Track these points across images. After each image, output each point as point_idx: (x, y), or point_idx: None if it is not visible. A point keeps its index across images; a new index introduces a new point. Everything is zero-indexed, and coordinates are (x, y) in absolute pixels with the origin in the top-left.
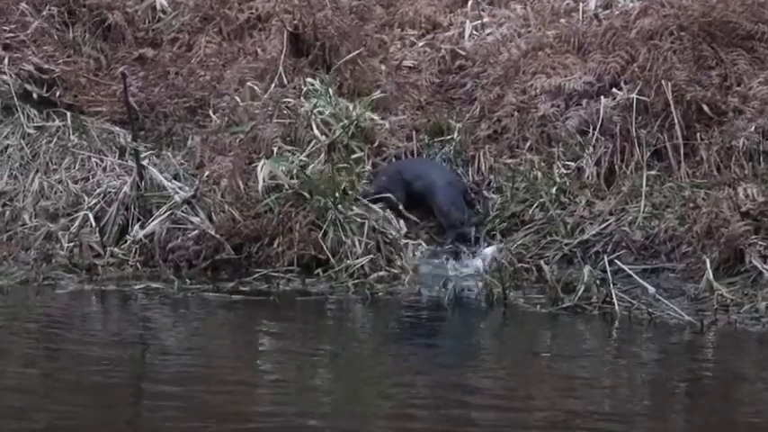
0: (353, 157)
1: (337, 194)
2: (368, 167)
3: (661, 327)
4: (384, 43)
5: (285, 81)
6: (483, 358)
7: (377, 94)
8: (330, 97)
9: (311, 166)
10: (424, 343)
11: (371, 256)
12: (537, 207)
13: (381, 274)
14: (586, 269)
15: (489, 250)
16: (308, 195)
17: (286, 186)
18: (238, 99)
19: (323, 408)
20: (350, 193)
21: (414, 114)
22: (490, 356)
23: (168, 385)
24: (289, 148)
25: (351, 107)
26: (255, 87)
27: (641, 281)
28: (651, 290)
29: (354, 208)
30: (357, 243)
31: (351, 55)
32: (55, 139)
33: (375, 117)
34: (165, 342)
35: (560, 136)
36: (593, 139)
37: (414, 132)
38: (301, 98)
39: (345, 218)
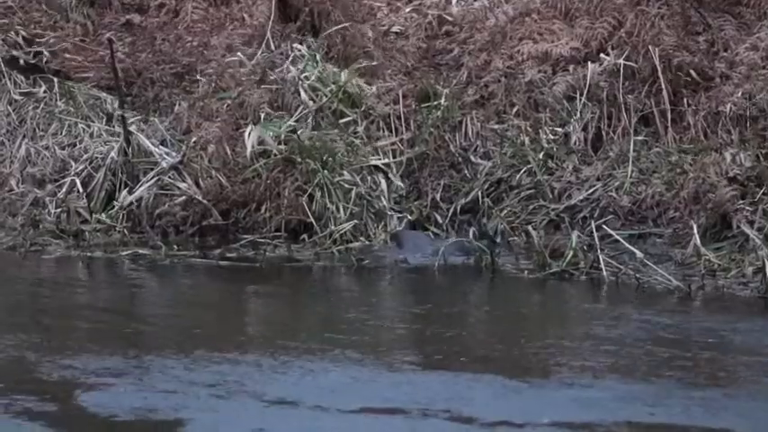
0: (343, 120)
1: (326, 158)
2: (360, 130)
3: (648, 291)
4: (371, 9)
5: (273, 47)
6: (466, 314)
7: (364, 62)
8: (317, 63)
9: (300, 131)
10: (409, 307)
11: (355, 221)
12: (524, 172)
13: (362, 241)
14: (574, 234)
15: None
16: (298, 159)
17: (274, 152)
18: (225, 65)
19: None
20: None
21: (401, 80)
22: (474, 313)
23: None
24: (276, 113)
25: (339, 73)
26: (242, 55)
27: (629, 246)
28: (638, 255)
29: (344, 173)
30: (342, 209)
31: (338, 26)
32: (42, 105)
33: (362, 83)
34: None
35: (547, 101)
36: (580, 105)
37: (401, 97)
38: (288, 64)
39: (332, 183)
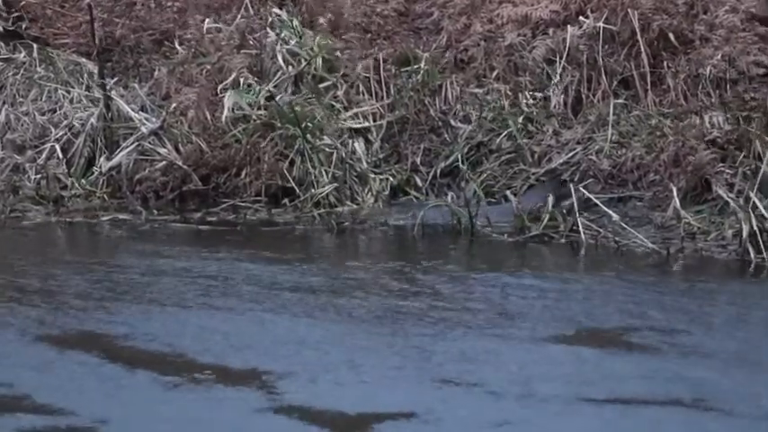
0: (323, 85)
1: (305, 123)
2: (340, 94)
3: (627, 254)
4: None
5: (251, 12)
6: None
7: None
8: (295, 28)
9: (278, 97)
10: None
11: (335, 185)
12: (504, 136)
13: (346, 205)
14: (551, 198)
15: None
16: (278, 124)
17: (253, 117)
18: (204, 30)
19: None
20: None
21: (381, 44)
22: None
23: None
24: (255, 79)
25: (316, 38)
26: (220, 20)
27: (606, 209)
28: (615, 217)
29: (325, 137)
30: (324, 173)
31: None
32: (21, 71)
33: (339, 47)
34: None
35: (527, 65)
36: (559, 68)
37: (381, 61)
38: (267, 29)
39: (313, 148)
